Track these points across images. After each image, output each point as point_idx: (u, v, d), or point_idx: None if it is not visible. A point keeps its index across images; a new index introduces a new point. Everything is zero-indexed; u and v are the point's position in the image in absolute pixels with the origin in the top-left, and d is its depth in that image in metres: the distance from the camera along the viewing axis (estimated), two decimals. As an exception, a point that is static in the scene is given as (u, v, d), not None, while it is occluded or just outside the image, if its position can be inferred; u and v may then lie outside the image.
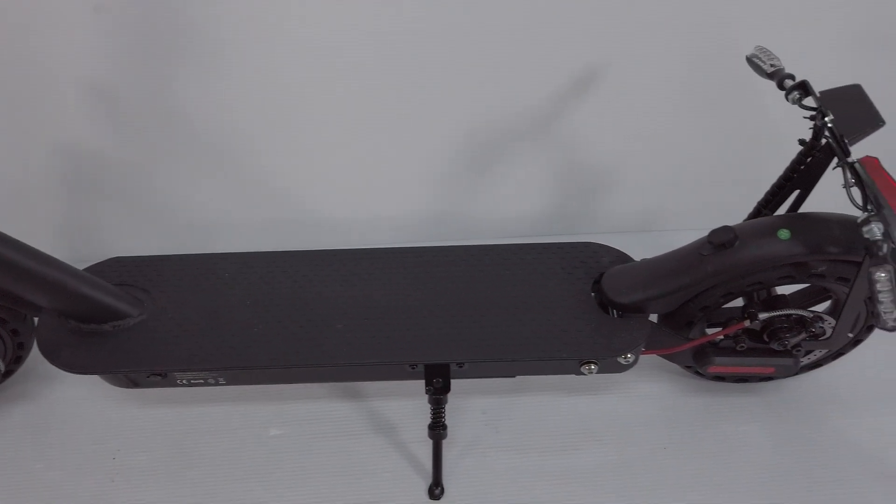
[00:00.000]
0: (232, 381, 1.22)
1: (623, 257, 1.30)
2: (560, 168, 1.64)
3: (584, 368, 1.20)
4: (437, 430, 1.22)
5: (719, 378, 1.37)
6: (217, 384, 1.22)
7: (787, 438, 1.31)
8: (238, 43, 1.35)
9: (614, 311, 1.23)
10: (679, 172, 1.62)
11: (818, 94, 1.02)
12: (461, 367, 1.20)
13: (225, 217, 1.64)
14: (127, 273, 1.28)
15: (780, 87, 1.08)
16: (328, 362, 1.16)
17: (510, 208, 1.72)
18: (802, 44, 1.42)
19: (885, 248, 0.89)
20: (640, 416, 1.36)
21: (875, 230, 0.90)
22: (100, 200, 1.56)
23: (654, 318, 1.27)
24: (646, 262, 1.23)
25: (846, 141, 0.96)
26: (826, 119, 0.98)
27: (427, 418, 1.24)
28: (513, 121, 1.54)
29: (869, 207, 0.93)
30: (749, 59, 1.15)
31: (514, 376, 1.26)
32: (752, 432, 1.32)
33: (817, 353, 1.27)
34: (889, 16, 1.38)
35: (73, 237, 1.61)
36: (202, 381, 1.21)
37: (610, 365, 1.20)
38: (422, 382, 1.22)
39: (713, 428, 1.33)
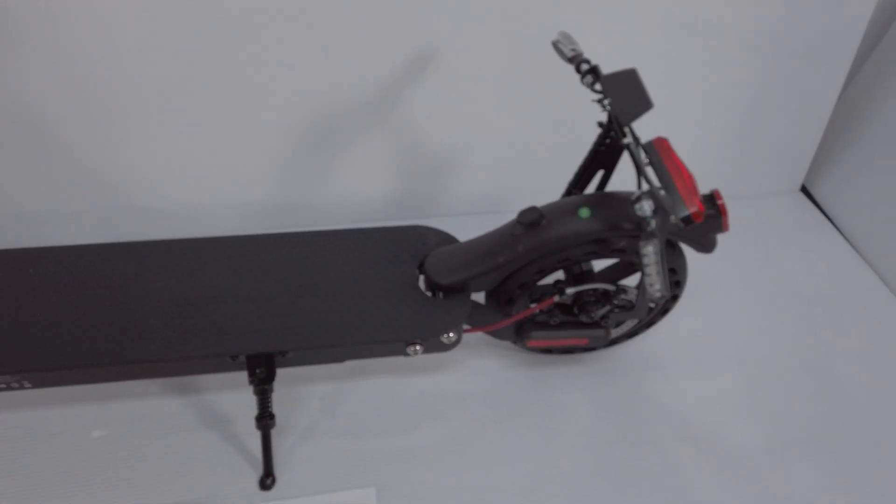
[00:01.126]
0: (38, 384, 1.16)
1: (449, 239, 1.32)
2: (404, 152, 1.65)
3: (410, 349, 1.22)
4: (265, 420, 1.21)
5: (547, 351, 1.43)
6: (22, 388, 1.15)
7: (609, 405, 1.39)
8: (44, 19, 1.26)
9: (439, 293, 1.25)
10: (515, 155, 1.67)
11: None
12: (285, 355, 1.19)
13: (47, 209, 1.54)
14: (-84, 273, 1.18)
15: (577, 71, 1.13)
16: (140, 359, 1.12)
17: (358, 193, 1.72)
18: (619, 29, 1.50)
19: (652, 223, 0.96)
20: (475, 392, 1.40)
21: (645, 207, 0.97)
22: None
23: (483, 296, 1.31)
24: (466, 244, 1.26)
25: (620, 122, 1.02)
26: (605, 102, 1.03)
27: (261, 408, 1.22)
28: (353, 106, 1.53)
29: (641, 186, 1.00)
30: (554, 45, 1.19)
31: (343, 361, 1.26)
32: (576, 401, 1.39)
33: (629, 324, 1.35)
34: (696, 8, 1.49)
35: None
36: (4, 385, 1.13)
37: (434, 344, 1.23)
38: None
39: (541, 398, 1.39)
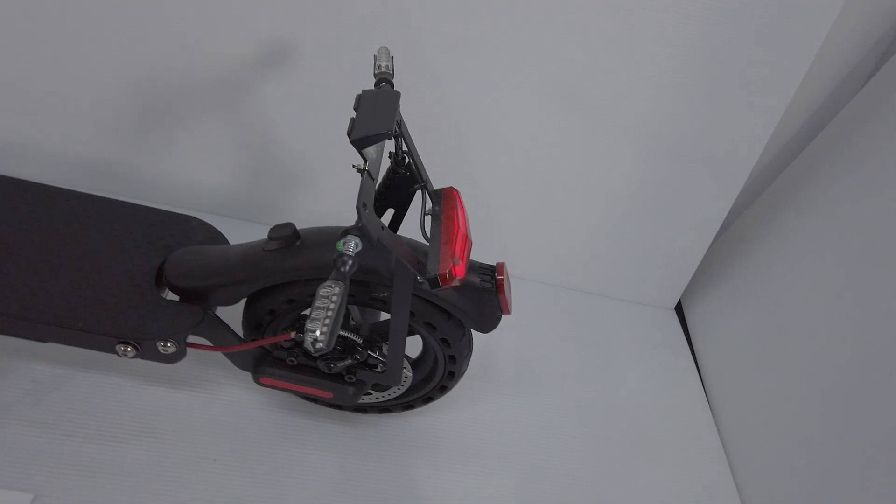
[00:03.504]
0: None
1: (218, 239, 1.16)
2: (251, 147, 1.50)
3: (120, 349, 1.04)
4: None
5: (312, 399, 1.25)
6: None
7: (353, 476, 1.20)
8: None
9: (178, 295, 1.08)
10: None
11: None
12: None
13: None
14: None
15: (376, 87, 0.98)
16: None
17: (193, 178, 1.55)
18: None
19: (349, 265, 0.79)
20: (213, 422, 1.21)
21: (350, 245, 0.80)
22: None
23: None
24: (216, 249, 1.09)
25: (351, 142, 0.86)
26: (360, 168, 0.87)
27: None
28: (204, 82, 1.39)
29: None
30: (374, 57, 1.05)
31: (45, 342, 1.07)
32: (319, 462, 1.20)
33: (396, 391, 1.17)
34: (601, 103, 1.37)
35: None
36: None
37: (152, 351, 1.05)
38: None
39: (282, 450, 1.20)
